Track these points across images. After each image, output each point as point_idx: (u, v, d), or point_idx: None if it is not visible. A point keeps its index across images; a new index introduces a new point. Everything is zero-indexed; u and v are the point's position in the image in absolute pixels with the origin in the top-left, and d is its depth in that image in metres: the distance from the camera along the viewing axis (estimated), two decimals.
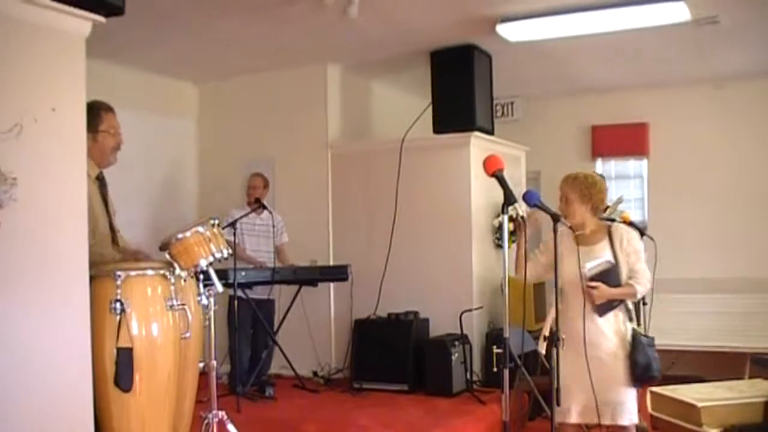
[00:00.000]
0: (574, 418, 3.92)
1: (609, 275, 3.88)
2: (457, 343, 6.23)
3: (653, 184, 8.22)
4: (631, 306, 4.04)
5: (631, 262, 3.95)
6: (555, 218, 3.60)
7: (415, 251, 6.82)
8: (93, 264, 3.39)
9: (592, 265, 3.87)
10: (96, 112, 3.78)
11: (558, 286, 3.68)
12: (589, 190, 3.99)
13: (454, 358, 6.14)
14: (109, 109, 3.99)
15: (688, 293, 7.42)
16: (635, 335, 3.94)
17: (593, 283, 3.84)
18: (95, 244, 3.56)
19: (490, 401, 5.81)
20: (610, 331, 3.92)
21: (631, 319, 4.00)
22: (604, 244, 3.97)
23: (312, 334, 6.95)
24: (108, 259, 3.75)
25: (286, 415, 5.62)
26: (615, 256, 3.94)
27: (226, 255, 3.73)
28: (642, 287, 3.93)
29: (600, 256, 3.92)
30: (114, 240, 3.99)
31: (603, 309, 3.89)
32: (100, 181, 3.98)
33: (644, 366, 3.87)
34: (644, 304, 4.93)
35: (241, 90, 7.65)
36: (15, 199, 2.92)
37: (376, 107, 7.95)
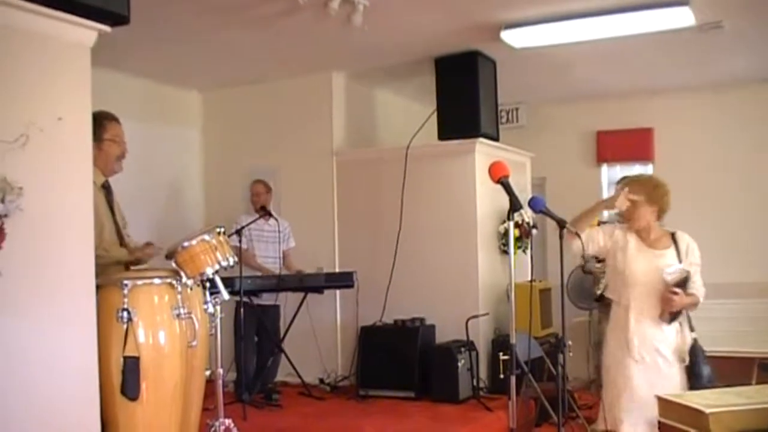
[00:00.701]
0: (626, 428, 3.82)
1: (685, 284, 3.81)
2: (463, 349, 6.22)
3: None
4: (691, 315, 3.98)
5: (691, 272, 3.89)
6: (561, 224, 3.61)
7: (420, 257, 6.81)
8: (99, 264, 3.40)
9: (671, 271, 3.79)
10: (100, 121, 3.81)
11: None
12: (656, 191, 3.95)
13: (460, 364, 6.12)
14: (114, 118, 4.03)
15: None
16: (696, 346, 3.88)
17: (677, 290, 3.75)
18: (99, 246, 3.57)
19: (496, 408, 5.79)
20: (674, 340, 3.87)
21: (692, 329, 3.93)
22: (672, 251, 3.92)
23: (318, 342, 6.93)
24: (113, 256, 3.77)
25: (292, 422, 5.62)
26: None
27: (232, 263, 3.76)
28: (702, 298, 3.90)
29: (672, 263, 3.85)
30: (122, 244, 4.00)
31: (672, 317, 3.83)
32: (106, 189, 4.01)
33: (708, 377, 3.82)
34: None
35: (246, 98, 7.67)
36: (21, 208, 2.93)
37: (381, 114, 7.96)
